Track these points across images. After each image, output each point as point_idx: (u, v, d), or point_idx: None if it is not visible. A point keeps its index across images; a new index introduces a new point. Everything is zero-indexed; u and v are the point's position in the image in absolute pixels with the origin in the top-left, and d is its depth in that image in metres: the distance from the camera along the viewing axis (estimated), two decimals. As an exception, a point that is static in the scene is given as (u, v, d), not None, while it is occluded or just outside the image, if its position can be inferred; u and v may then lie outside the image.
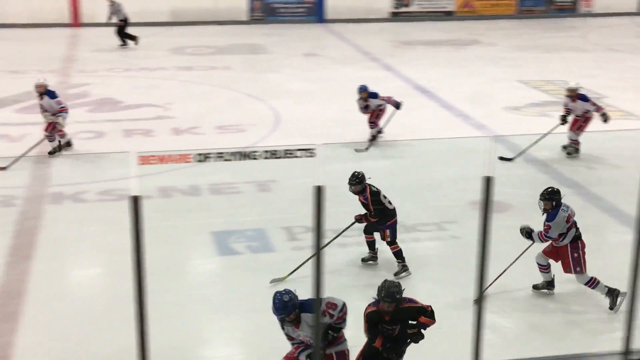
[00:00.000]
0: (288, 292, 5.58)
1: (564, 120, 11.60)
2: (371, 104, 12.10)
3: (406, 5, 26.42)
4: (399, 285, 5.74)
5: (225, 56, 19.70)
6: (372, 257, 8.33)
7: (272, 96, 15.36)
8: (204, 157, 4.32)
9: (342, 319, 5.63)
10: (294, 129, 13.22)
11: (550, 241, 7.43)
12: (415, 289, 7.70)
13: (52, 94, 11.54)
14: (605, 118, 11.35)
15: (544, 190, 7.41)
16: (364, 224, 8.12)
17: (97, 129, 13.06)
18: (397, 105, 12.17)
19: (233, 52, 20.38)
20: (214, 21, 24.56)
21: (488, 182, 4.00)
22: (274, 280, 7.69)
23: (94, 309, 7.30)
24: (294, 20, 25.37)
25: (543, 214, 7.40)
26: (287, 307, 5.51)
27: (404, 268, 8.09)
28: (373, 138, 12.21)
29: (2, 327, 6.97)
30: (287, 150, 4.55)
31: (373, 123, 12.25)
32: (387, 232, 8.07)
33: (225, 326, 7.19)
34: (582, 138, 11.73)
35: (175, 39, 22.05)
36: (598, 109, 11.44)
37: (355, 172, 7.94)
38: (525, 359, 6.37)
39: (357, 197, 8.07)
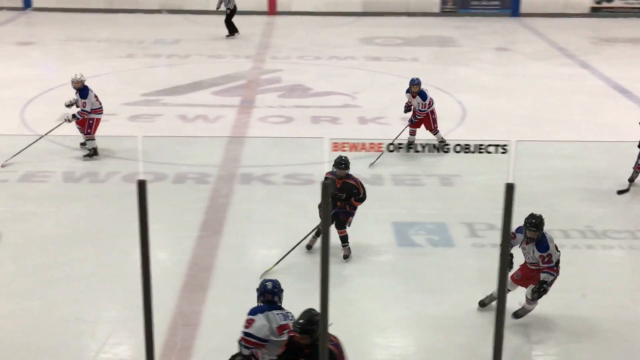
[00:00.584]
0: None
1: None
2: (414, 103, 11.12)
3: (609, 0, 25.03)
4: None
5: (414, 48, 19.63)
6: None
7: (459, 90, 15.14)
8: (395, 148, 4.33)
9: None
10: (480, 124, 12.96)
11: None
12: (603, 299, 7.36)
13: (83, 92, 10.74)
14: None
15: (531, 219, 6.61)
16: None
17: (287, 114, 13.49)
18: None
19: (422, 44, 20.27)
20: (404, 12, 24.54)
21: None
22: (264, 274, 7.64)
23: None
24: (487, 14, 24.79)
25: (528, 243, 6.67)
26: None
27: (349, 251, 8.13)
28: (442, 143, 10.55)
29: (192, 297, 7.38)
30: (480, 145, 4.46)
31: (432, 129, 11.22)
32: (351, 219, 8.09)
33: (400, 317, 7.19)
34: None
35: (365, 29, 22.26)
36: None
37: (342, 156, 7.88)
38: None
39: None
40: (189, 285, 7.63)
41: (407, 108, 11.21)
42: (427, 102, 10.99)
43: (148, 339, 3.38)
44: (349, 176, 7.98)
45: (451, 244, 8.58)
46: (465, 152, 4.54)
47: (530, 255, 6.74)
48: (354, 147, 4.25)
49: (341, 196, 7.94)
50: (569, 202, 9.64)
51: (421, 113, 11.03)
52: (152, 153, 11.10)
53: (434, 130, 11.13)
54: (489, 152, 4.57)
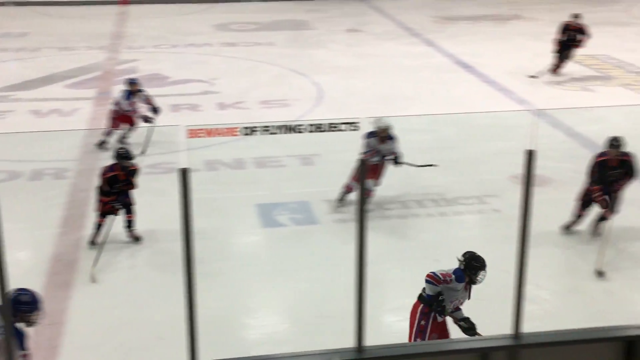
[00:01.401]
0: None
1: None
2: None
3: (449, -20, 26.18)
4: None
5: (269, 32, 19.87)
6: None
7: (315, 71, 15.51)
8: (250, 131, 4.52)
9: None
10: (337, 104, 13.37)
11: None
12: (456, 262, 7.86)
13: (125, 94, 10.97)
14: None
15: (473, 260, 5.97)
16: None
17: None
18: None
19: (277, 28, 20.53)
20: (258, -3, 24.73)
21: (530, 155, 4.11)
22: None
23: (147, 278, 7.59)
24: (337, -4, 25.36)
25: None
26: None
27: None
28: None
29: (57, 295, 7.26)
30: (332, 124, 4.73)
31: None
32: None
33: (269, 296, 7.41)
34: (625, 112, 11.68)
35: (220, 15, 22.28)
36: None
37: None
38: (563, 331, 6.48)
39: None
40: (52, 283, 7.50)
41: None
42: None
43: (7, 342, 3.38)
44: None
45: (314, 221, 8.88)
46: (319, 132, 4.80)
47: None
48: (209, 132, 4.42)
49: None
50: (422, 173, 10.16)
51: None
52: (5, 151, 10.75)
53: None
54: (342, 130, 4.86)
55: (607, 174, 8.01)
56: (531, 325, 4.02)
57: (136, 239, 8.33)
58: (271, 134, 4.56)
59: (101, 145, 10.96)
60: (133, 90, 11.00)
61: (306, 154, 10.80)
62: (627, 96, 13.74)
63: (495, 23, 21.29)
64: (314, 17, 22.03)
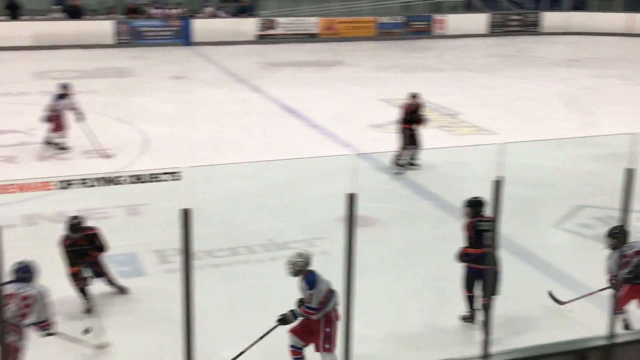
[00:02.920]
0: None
1: None
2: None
3: (271, 28, 26.82)
4: None
5: (91, 80, 19.36)
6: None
7: (140, 120, 15.26)
8: (67, 184, 4.36)
9: None
10: (164, 152, 13.20)
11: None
12: (289, 305, 7.91)
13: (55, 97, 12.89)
14: None
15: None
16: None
17: (-44, 157, 12.56)
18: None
19: (99, 75, 20.07)
20: (78, 45, 24.05)
21: (352, 198, 4.25)
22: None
23: None
24: (161, 43, 25.24)
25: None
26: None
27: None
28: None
29: None
30: (152, 174, 4.67)
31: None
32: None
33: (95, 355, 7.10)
34: (440, 153, 12.37)
35: (38, 63, 21.47)
36: None
37: (75, 216, 8.01)
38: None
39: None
40: None
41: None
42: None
43: None
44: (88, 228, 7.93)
45: (143, 273, 8.65)
46: (140, 182, 4.71)
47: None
48: (21, 187, 4.23)
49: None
50: (251, 219, 10.22)
51: None
52: None
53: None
54: (164, 180, 4.79)
55: None
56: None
57: (121, 290, 8.12)
58: (89, 186, 4.43)
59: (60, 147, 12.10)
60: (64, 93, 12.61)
61: (131, 204, 10.54)
62: (443, 137, 14.57)
63: (319, 69, 21.98)
64: (138, 64, 21.74)
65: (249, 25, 26.52)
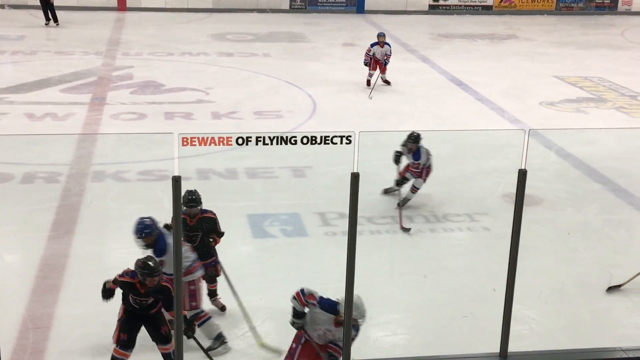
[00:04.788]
0: (151, 218, 6.28)
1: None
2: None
3: (446, -2, 26.39)
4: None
5: (265, 44, 19.92)
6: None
7: (310, 84, 15.55)
8: (244, 141, 4.54)
9: None
10: (331, 117, 13.40)
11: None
12: (445, 279, 7.89)
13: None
14: None
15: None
16: None
17: (140, 110, 13.37)
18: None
19: (273, 39, 20.59)
20: (255, 9, 24.81)
21: (522, 175, 4.14)
22: None
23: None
24: (334, 10, 25.48)
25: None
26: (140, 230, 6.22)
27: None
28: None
29: (44, 299, 7.24)
30: (325, 136, 4.76)
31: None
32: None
33: (258, 306, 7.38)
34: (617, 134, 11.75)
35: (217, 25, 22.33)
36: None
37: (191, 191, 6.84)
38: (552, 351, 6.49)
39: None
40: (40, 287, 7.46)
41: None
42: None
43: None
44: (205, 211, 6.99)
45: (305, 233, 8.88)
46: (312, 144, 4.83)
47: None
48: (203, 141, 4.44)
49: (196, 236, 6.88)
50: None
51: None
52: (-3, 153, 10.75)
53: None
54: (335, 143, 4.88)
55: None
56: (519, 344, 4.05)
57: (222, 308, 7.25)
58: (264, 144, 4.59)
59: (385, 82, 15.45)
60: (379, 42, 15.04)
61: (298, 166, 10.81)
62: (620, 119, 13.82)
63: (492, 42, 21.42)
64: (310, 30, 22.11)
65: (422, -5, 26.23)
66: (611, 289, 7.49)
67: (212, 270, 7.01)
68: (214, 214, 7.04)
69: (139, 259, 5.87)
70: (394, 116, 13.55)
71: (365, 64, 15.32)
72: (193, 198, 6.83)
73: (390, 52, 15.35)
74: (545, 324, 7.14)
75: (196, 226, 6.87)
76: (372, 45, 15.23)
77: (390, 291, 7.55)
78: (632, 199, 10.07)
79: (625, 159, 11.63)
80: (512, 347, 3.89)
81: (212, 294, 7.24)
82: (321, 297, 5.56)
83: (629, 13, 27.36)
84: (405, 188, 9.48)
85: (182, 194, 4.65)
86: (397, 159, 9.37)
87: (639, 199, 9.98)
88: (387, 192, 9.78)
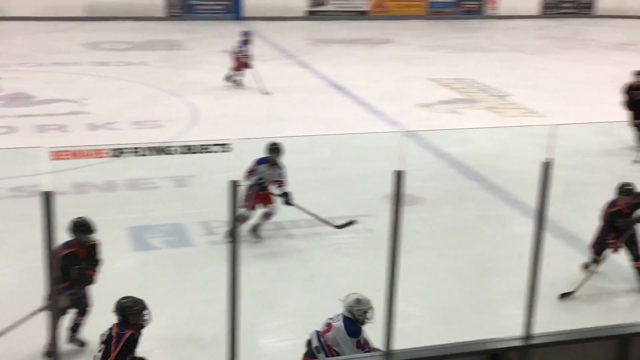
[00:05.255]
0: None
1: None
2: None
3: (322, 5, 26.73)
4: None
5: (142, 52, 19.55)
6: None
7: (189, 92, 15.38)
8: (119, 152, 4.41)
9: None
10: (212, 125, 13.30)
11: None
12: (332, 280, 7.96)
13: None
14: None
15: None
16: None
17: (9, 124, 12.83)
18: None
19: (150, 48, 20.24)
20: (129, 17, 24.29)
21: (399, 175, 4.24)
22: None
23: (5, 307, 7.23)
24: (212, 17, 25.33)
25: None
26: None
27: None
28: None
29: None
30: (203, 145, 4.70)
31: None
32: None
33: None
34: (488, 133, 12.25)
35: (90, 33, 21.75)
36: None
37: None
38: (436, 346, 6.66)
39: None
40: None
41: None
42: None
43: None
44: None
45: (189, 243, 8.76)
46: (190, 153, 4.76)
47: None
48: (74, 154, 4.29)
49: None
50: (296, 194, 10.24)
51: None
52: None
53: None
54: (214, 152, 4.82)
55: (619, 222, 7.61)
56: (403, 342, 4.14)
57: (81, 344, 6.68)
58: (140, 155, 4.48)
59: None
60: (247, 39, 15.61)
61: (180, 176, 10.66)
62: (491, 118, 14.41)
63: (368, 47, 21.87)
64: (188, 37, 21.88)
65: (299, 2, 26.45)
66: (564, 295, 7.68)
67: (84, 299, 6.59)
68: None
69: None
70: (274, 122, 13.59)
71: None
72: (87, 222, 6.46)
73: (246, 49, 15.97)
74: (428, 319, 7.34)
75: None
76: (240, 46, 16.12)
77: (276, 296, 7.55)
78: (505, 194, 10.51)
79: (497, 156, 12.13)
80: (397, 344, 3.98)
81: (76, 328, 6.68)
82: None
83: (495, 17, 28.63)
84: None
85: (54, 209, 4.46)
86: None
87: (512, 195, 10.41)
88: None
